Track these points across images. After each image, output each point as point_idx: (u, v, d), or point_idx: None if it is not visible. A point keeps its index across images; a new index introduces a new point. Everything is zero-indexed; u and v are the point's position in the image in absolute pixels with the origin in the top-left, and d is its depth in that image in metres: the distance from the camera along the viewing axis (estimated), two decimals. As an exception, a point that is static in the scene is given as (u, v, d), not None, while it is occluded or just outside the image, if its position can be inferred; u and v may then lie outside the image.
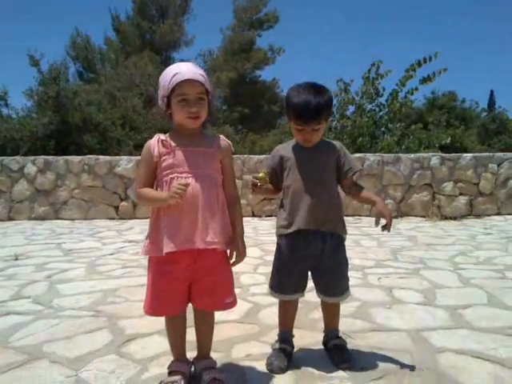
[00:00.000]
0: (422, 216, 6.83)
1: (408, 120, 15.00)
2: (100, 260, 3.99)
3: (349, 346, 2.01)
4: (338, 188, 1.94)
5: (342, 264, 1.92)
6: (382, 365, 1.91)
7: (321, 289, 1.93)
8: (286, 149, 1.95)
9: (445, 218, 6.69)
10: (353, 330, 2.30)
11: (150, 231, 1.70)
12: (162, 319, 1.82)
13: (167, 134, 1.71)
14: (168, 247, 1.59)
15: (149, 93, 13.67)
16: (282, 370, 1.83)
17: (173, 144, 1.66)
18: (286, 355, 1.90)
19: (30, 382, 1.79)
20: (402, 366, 1.89)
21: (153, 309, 1.70)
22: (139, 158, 6.52)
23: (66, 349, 2.10)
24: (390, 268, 3.63)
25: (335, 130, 9.16)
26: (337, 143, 1.95)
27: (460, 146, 14.19)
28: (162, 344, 2.09)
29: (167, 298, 1.66)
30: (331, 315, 2.00)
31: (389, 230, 1.79)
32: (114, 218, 6.84)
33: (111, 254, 4.24)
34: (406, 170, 6.89)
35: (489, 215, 6.85)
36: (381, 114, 8.64)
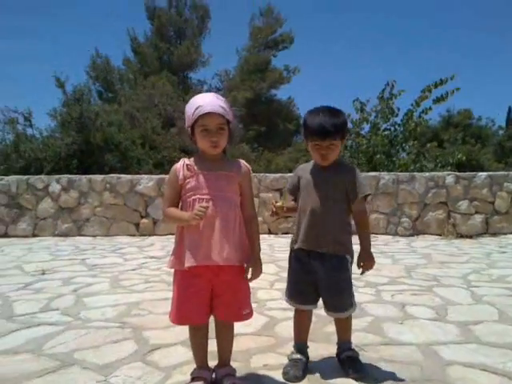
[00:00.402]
0: (437, 234, 6.86)
1: (423, 138, 15.04)
2: (123, 275, 4.16)
3: (361, 358, 2.11)
4: (347, 212, 2.02)
5: (343, 283, 2.00)
6: (392, 376, 2.01)
7: (325, 305, 2.05)
8: (304, 169, 2.11)
9: (460, 236, 6.72)
10: (365, 343, 2.40)
11: (174, 246, 1.87)
12: (185, 331, 1.96)
13: (192, 159, 1.88)
14: (189, 262, 1.76)
15: (167, 113, 14.03)
16: (298, 379, 1.95)
17: (196, 168, 1.83)
18: (302, 365, 2.02)
19: (64, 386, 1.94)
20: (412, 377, 1.99)
21: (178, 318, 1.84)
22: (159, 176, 6.75)
23: (94, 356, 2.25)
24: (404, 285, 3.71)
25: (351, 148, 9.30)
26: (356, 169, 2.04)
27: (476, 164, 14.16)
28: (184, 354, 2.22)
29: (191, 309, 1.80)
30: (343, 329, 2.11)
31: (362, 273, 2.03)
32: (134, 235, 7.04)
33: (133, 270, 4.41)
34: (421, 188, 6.96)
35: (505, 234, 6.85)
36: (395, 133, 8.76)
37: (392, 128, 8.76)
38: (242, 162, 1.94)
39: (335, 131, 1.92)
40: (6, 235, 7.12)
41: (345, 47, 58.50)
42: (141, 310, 3.05)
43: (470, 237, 6.71)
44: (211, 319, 1.91)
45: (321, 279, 1.99)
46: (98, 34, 42.76)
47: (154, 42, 24.89)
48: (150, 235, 7.02)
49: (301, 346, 2.10)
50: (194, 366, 1.94)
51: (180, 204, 1.88)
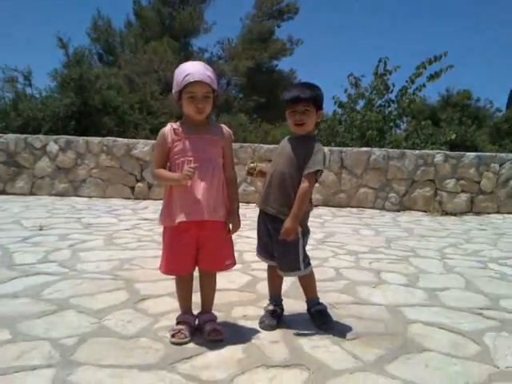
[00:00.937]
0: (423, 211, 7.08)
1: (421, 116, 15.11)
2: (117, 234, 4.36)
3: (332, 315, 2.33)
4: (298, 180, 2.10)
5: (288, 247, 2.12)
6: (357, 329, 2.22)
7: (276, 263, 2.22)
8: (283, 140, 2.28)
9: (445, 213, 6.95)
10: (337, 302, 2.61)
11: (163, 206, 2.05)
12: (173, 284, 2.16)
13: (178, 123, 2.04)
14: (179, 218, 1.94)
15: (167, 79, 13.98)
16: (272, 328, 2.16)
17: (183, 132, 1.99)
18: (276, 316, 2.24)
19: (61, 326, 2.14)
20: (376, 332, 2.21)
21: (168, 268, 2.05)
22: (155, 141, 6.93)
23: (89, 303, 2.46)
24: (382, 254, 3.93)
25: (345, 122, 9.42)
26: (318, 145, 2.13)
27: (471, 144, 14.30)
28: (171, 304, 2.43)
29: (179, 260, 2.00)
30: (304, 288, 2.30)
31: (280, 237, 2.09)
32: (129, 198, 7.22)
33: (127, 230, 4.61)
34: (411, 165, 7.13)
35: (488, 213, 7.08)
36: (390, 109, 8.88)
37: (386, 104, 8.86)
38: (225, 127, 2.11)
39: (309, 97, 2.08)
40: (3, 192, 7.29)
41: (350, 19, 57.50)
42: (133, 265, 3.25)
43: (455, 214, 6.94)
44: (196, 273, 2.11)
45: (272, 239, 2.18)
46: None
47: (157, 6, 24.40)
48: (144, 199, 7.20)
49: (275, 298, 2.31)
50: (179, 313, 2.15)
51: (168, 165, 2.05)
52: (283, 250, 2.16)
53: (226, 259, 2.08)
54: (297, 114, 2.11)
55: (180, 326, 2.03)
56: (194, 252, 2.01)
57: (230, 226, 2.07)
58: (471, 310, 2.59)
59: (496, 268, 3.59)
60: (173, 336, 1.99)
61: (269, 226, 2.19)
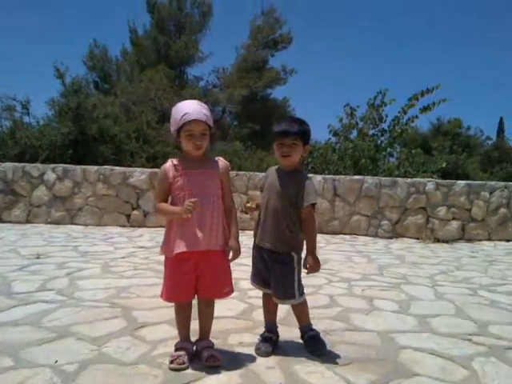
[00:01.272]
0: (416, 238, 7.18)
1: (413, 145, 15.42)
2: (113, 262, 4.42)
3: (325, 341, 2.40)
4: (296, 214, 2.22)
5: (284, 277, 2.24)
6: (350, 355, 2.29)
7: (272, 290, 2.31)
8: (271, 171, 2.38)
9: (437, 240, 7.04)
10: (331, 328, 2.68)
11: (165, 236, 2.14)
12: (170, 312, 2.25)
13: (177, 159, 2.15)
14: (178, 249, 2.04)
15: (163, 107, 14.23)
16: (268, 354, 2.23)
17: (182, 167, 2.10)
18: (272, 343, 2.30)
19: (62, 352, 2.20)
20: (368, 358, 2.28)
21: (169, 296, 2.13)
22: (151, 170, 7.03)
23: (88, 330, 2.51)
24: (374, 281, 4.00)
25: (339, 151, 9.62)
26: (309, 178, 2.27)
27: (462, 172, 14.55)
28: (168, 331, 2.49)
29: (180, 289, 2.09)
30: (297, 315, 2.38)
31: (308, 273, 2.27)
32: (125, 226, 7.27)
33: (123, 258, 4.66)
34: (403, 193, 7.27)
35: (479, 240, 7.19)
36: (382, 138, 9.11)
37: (379, 133, 9.10)
38: (221, 159, 2.22)
39: (297, 131, 2.19)
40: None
41: (344, 50, 58.93)
42: (129, 294, 3.31)
43: (447, 242, 7.03)
44: (194, 300, 2.19)
45: (269, 269, 2.27)
46: (98, 24, 42.61)
47: (153, 34, 24.95)
48: (140, 226, 7.26)
49: (270, 325, 2.38)
50: (178, 340, 2.21)
51: (170, 199, 2.15)
52: (279, 278, 2.25)
53: (225, 287, 2.16)
54: (284, 146, 2.22)
55: (179, 353, 2.09)
56: (193, 281, 2.10)
57: (231, 253, 2.17)
58: (460, 335, 2.67)
59: (485, 295, 3.68)
60: (171, 362, 2.05)
61: (265, 255, 2.28)
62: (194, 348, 2.19)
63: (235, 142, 20.68)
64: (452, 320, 2.98)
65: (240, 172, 7.75)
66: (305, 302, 2.35)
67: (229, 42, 32.76)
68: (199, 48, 25.99)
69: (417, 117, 8.84)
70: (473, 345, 2.54)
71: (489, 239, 7.23)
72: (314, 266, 2.25)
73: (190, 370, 2.04)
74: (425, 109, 8.65)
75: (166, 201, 2.15)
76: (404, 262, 5.08)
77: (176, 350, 2.13)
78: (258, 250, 2.34)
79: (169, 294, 2.12)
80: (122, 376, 1.96)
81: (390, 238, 7.14)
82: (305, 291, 2.35)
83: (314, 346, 2.28)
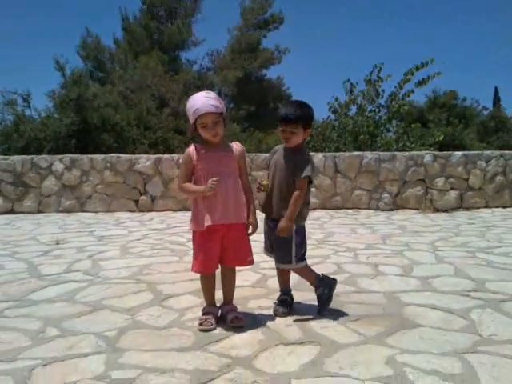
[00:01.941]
0: (415, 209, 7.42)
1: (410, 118, 15.54)
2: (130, 244, 4.65)
3: (336, 304, 2.63)
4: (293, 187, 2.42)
5: (283, 243, 2.46)
6: (359, 312, 2.54)
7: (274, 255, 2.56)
8: (276, 149, 2.61)
9: (437, 210, 7.29)
10: (340, 292, 2.92)
11: (192, 213, 2.36)
12: (192, 284, 2.49)
13: (199, 144, 2.37)
14: (207, 222, 2.27)
15: (160, 94, 14.33)
16: (285, 315, 2.47)
17: (204, 151, 2.33)
18: (288, 305, 2.55)
19: (99, 322, 2.44)
20: (375, 314, 2.53)
21: (199, 268, 2.35)
22: (156, 156, 7.27)
23: (119, 303, 2.75)
24: (379, 250, 4.25)
25: (338, 128, 9.80)
26: (308, 155, 2.48)
27: (459, 143, 14.73)
28: (193, 300, 2.73)
29: (209, 259, 2.32)
30: (303, 277, 2.63)
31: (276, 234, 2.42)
32: (134, 211, 7.51)
33: (138, 240, 4.90)
34: (401, 166, 7.49)
35: (478, 208, 7.44)
36: (380, 114, 9.27)
37: (377, 109, 9.27)
38: (237, 143, 2.44)
39: (296, 120, 2.40)
40: (12, 211, 7.55)
41: (335, 25, 58.35)
42: (151, 270, 3.55)
43: (446, 211, 7.28)
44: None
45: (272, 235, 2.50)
46: (89, 13, 42.18)
47: (144, 21, 24.81)
48: (148, 211, 7.49)
49: (285, 289, 2.63)
50: (204, 306, 2.45)
51: (193, 179, 2.37)
52: (278, 244, 2.49)
53: (248, 256, 2.40)
54: (286, 132, 2.44)
55: (206, 316, 2.33)
56: (219, 253, 2.33)
57: (250, 228, 2.41)
58: (459, 292, 2.91)
59: (483, 256, 3.92)
60: (200, 324, 2.29)
61: (270, 225, 2.51)
62: (219, 312, 2.43)
63: (232, 124, 20.77)
64: (452, 279, 3.23)
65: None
66: (306, 267, 2.56)
67: (221, 25, 32.58)
68: (192, 32, 25.87)
69: (413, 91, 9.01)
70: (471, 299, 2.78)
71: (486, 206, 7.48)
72: (284, 228, 2.39)
73: (217, 331, 2.28)
74: (420, 83, 8.81)
75: (189, 181, 2.37)
76: (406, 231, 5.32)
77: (203, 314, 2.37)
78: (265, 220, 2.57)
79: (200, 265, 2.34)
80: (159, 337, 2.21)
81: (391, 210, 7.38)
82: (306, 257, 2.55)
83: (318, 301, 2.55)
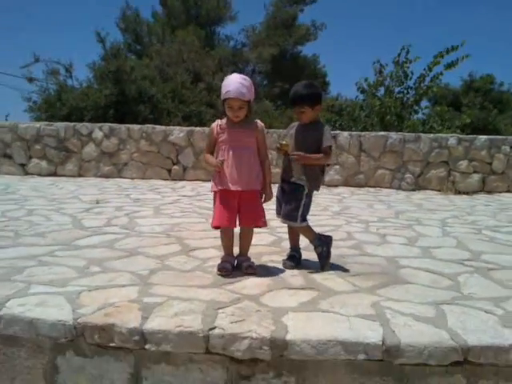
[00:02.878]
0: (437, 190, 7.61)
1: (444, 101, 15.40)
2: (163, 206, 5.12)
3: (339, 263, 2.99)
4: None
5: (293, 201, 2.78)
6: (359, 270, 2.88)
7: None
8: (293, 125, 2.94)
9: (458, 192, 7.45)
10: (346, 254, 3.27)
11: (213, 177, 2.75)
12: (216, 241, 2.86)
13: (223, 120, 2.74)
14: (224, 185, 2.65)
15: (195, 69, 14.70)
16: (292, 267, 2.85)
17: (226, 127, 2.70)
18: (295, 260, 2.92)
19: (135, 264, 2.88)
20: (373, 272, 2.87)
21: (217, 222, 2.74)
22: (189, 128, 7.77)
23: (152, 251, 3.19)
24: (390, 223, 4.54)
25: (366, 108, 9.95)
26: (325, 126, 2.82)
27: (493, 128, 14.53)
28: (215, 253, 3.13)
29: (225, 216, 2.70)
30: (303, 235, 2.96)
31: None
32: (167, 179, 8.01)
33: (170, 203, 5.36)
34: (426, 148, 7.65)
35: (499, 192, 7.56)
36: (408, 96, 9.36)
37: (405, 91, 9.35)
38: (258, 121, 2.79)
39: (301, 101, 2.73)
40: (55, 174, 8.18)
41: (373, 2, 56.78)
42: (181, 228, 3.98)
43: (467, 193, 7.44)
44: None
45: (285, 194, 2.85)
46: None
47: (183, -6, 25.00)
48: (180, 180, 7.98)
49: (294, 247, 3.00)
50: (222, 255, 2.86)
51: (216, 150, 2.75)
52: (288, 201, 2.82)
53: (262, 218, 2.75)
54: (296, 112, 2.79)
55: (224, 263, 2.74)
56: (236, 212, 2.70)
57: (264, 196, 2.78)
58: (455, 261, 3.20)
59: (488, 233, 4.17)
60: (219, 270, 2.70)
61: (285, 187, 2.85)
62: (236, 262, 2.83)
63: (265, 101, 20.94)
64: (451, 250, 3.51)
65: (270, 130, 8.25)
66: (308, 226, 2.89)
67: (258, 0, 32.30)
68: (229, 6, 25.89)
69: (441, 73, 9.03)
70: (463, 266, 3.07)
71: (508, 191, 7.59)
72: (302, 157, 2.72)
73: (232, 276, 2.68)
74: (449, 65, 8.83)
75: (212, 152, 2.76)
76: (421, 208, 5.58)
77: (222, 261, 2.78)
78: (281, 184, 2.91)
79: (217, 220, 2.73)
80: (184, 277, 2.63)
81: (413, 190, 7.59)
82: (308, 219, 2.90)
83: (319, 259, 2.90)
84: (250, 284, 2.54)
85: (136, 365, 1.98)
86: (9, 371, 2.10)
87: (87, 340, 1.99)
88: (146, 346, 1.93)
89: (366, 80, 9.57)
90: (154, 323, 1.97)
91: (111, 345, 1.98)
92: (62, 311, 2.09)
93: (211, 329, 1.94)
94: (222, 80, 2.72)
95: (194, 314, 2.06)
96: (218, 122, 2.75)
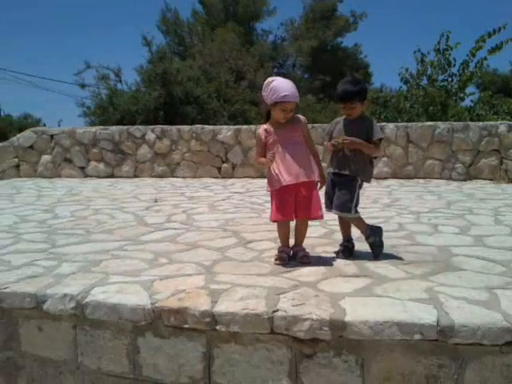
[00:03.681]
0: (490, 179, 7.44)
1: (493, 87, 14.88)
2: (216, 203, 5.37)
3: (391, 252, 3.10)
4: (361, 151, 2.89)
5: (346, 193, 2.88)
6: (411, 259, 2.98)
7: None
8: (337, 121, 3.04)
9: (511, 181, 7.27)
10: (398, 244, 3.37)
11: (268, 177, 2.92)
12: (270, 234, 3.04)
13: (267, 124, 2.92)
14: (284, 182, 2.80)
15: (238, 67, 14.96)
16: (345, 257, 2.99)
17: (272, 129, 2.87)
18: (349, 250, 3.06)
19: (198, 256, 3.11)
20: (425, 260, 2.96)
21: (275, 217, 2.91)
22: (236, 127, 8.04)
23: (211, 244, 3.42)
24: (441, 213, 4.56)
25: (411, 98, 9.83)
26: (372, 121, 2.93)
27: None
28: (270, 245, 3.32)
29: (283, 210, 2.86)
30: (356, 226, 3.07)
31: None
32: (217, 177, 8.30)
33: (223, 200, 5.61)
34: (475, 136, 7.50)
35: (557, 180, 7.30)
36: (452, 83, 9.17)
37: (449, 79, 9.16)
38: (300, 116, 2.95)
39: (352, 97, 2.83)
40: (112, 176, 8.66)
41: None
42: (235, 223, 4.20)
43: (521, 182, 7.24)
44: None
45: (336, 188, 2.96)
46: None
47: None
48: (230, 177, 8.24)
49: (346, 237, 3.12)
50: (279, 246, 3.04)
51: (267, 150, 2.91)
52: (342, 193, 2.92)
53: (317, 210, 2.87)
54: (346, 108, 2.89)
55: (281, 254, 2.92)
56: (293, 205, 2.85)
57: (319, 184, 2.94)
58: (508, 248, 3.22)
59: (543, 221, 4.12)
60: (276, 260, 2.89)
61: (335, 179, 2.97)
62: (291, 252, 3.01)
63: (307, 95, 20.92)
64: (504, 238, 3.52)
65: (315, 125, 8.33)
66: (360, 219, 3.01)
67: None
68: (266, 1, 25.94)
69: (485, 58, 8.79)
70: (517, 254, 3.10)
71: None
72: (355, 142, 2.82)
73: (289, 265, 2.85)
74: (493, 49, 8.57)
75: (264, 156, 2.91)
76: (472, 198, 5.53)
77: (279, 251, 2.96)
78: (331, 179, 3.02)
79: (276, 214, 2.89)
80: (244, 266, 2.83)
81: (464, 180, 7.47)
82: (359, 210, 3.00)
83: (371, 249, 3.02)
84: (307, 272, 2.71)
85: (208, 344, 2.20)
86: (96, 351, 2.38)
87: (164, 322, 2.23)
88: (217, 327, 2.15)
89: (407, 70, 9.46)
90: (223, 306, 2.19)
91: (185, 326, 2.20)
92: (139, 297, 2.34)
93: (275, 311, 2.12)
94: (264, 78, 2.90)
95: (257, 299, 2.25)
96: (264, 126, 2.93)
